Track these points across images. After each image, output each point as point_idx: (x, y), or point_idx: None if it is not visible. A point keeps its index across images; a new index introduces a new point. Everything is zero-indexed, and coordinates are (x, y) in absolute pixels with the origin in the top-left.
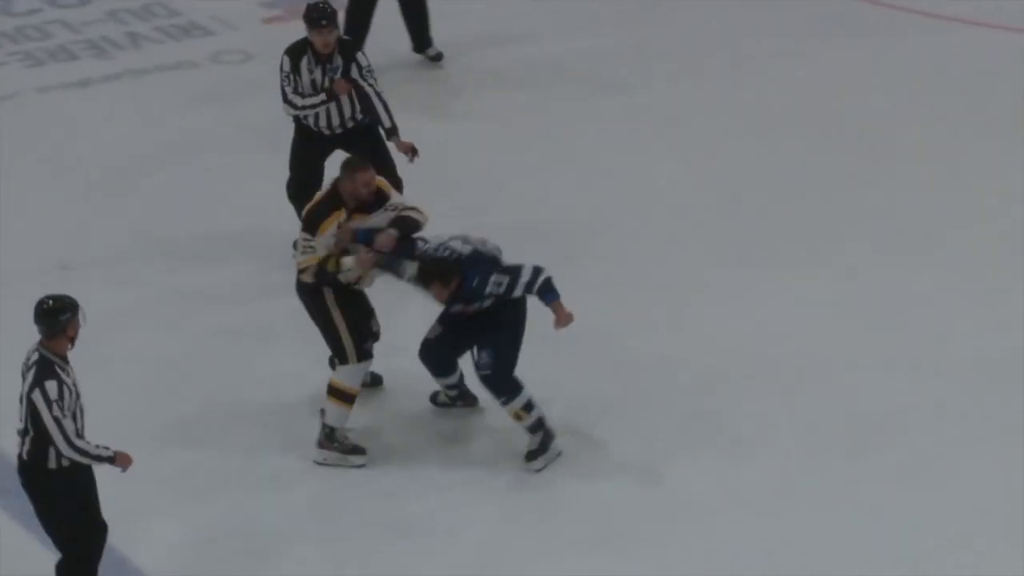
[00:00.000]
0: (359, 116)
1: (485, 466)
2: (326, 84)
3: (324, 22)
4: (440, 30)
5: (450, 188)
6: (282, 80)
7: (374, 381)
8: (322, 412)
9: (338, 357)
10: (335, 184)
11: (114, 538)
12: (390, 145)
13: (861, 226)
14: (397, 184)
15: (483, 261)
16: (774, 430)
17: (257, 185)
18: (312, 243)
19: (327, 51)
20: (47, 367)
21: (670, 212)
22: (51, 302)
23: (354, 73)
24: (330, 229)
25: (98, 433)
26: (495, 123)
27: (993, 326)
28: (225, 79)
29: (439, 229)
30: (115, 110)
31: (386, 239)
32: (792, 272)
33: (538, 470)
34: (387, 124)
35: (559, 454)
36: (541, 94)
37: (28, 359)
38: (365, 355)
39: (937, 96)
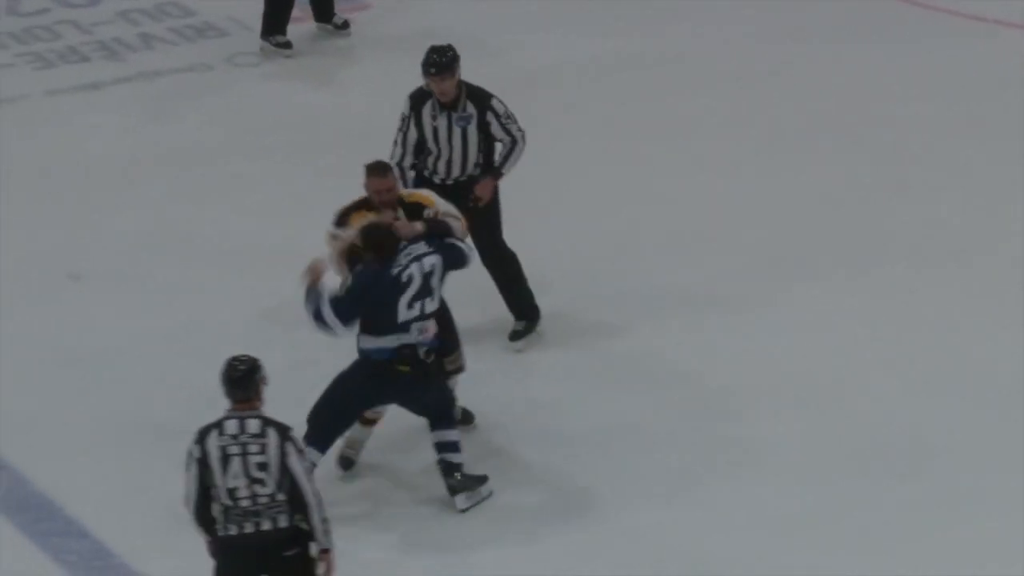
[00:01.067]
0: (478, 168)
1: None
2: (455, 136)
3: (433, 70)
4: (463, 31)
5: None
6: (398, 127)
7: (465, 418)
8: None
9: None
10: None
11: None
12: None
13: (895, 238)
14: (503, 253)
15: None
16: (803, 447)
17: (272, 191)
18: (336, 233)
19: (446, 99)
20: (285, 430)
21: (697, 224)
22: (242, 365)
23: (493, 126)
24: (356, 224)
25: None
26: None
27: None
28: (240, 82)
29: None
30: (126, 114)
31: (407, 228)
32: (823, 285)
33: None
34: (496, 162)
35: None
36: (560, 100)
37: (240, 430)
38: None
39: (978, 103)
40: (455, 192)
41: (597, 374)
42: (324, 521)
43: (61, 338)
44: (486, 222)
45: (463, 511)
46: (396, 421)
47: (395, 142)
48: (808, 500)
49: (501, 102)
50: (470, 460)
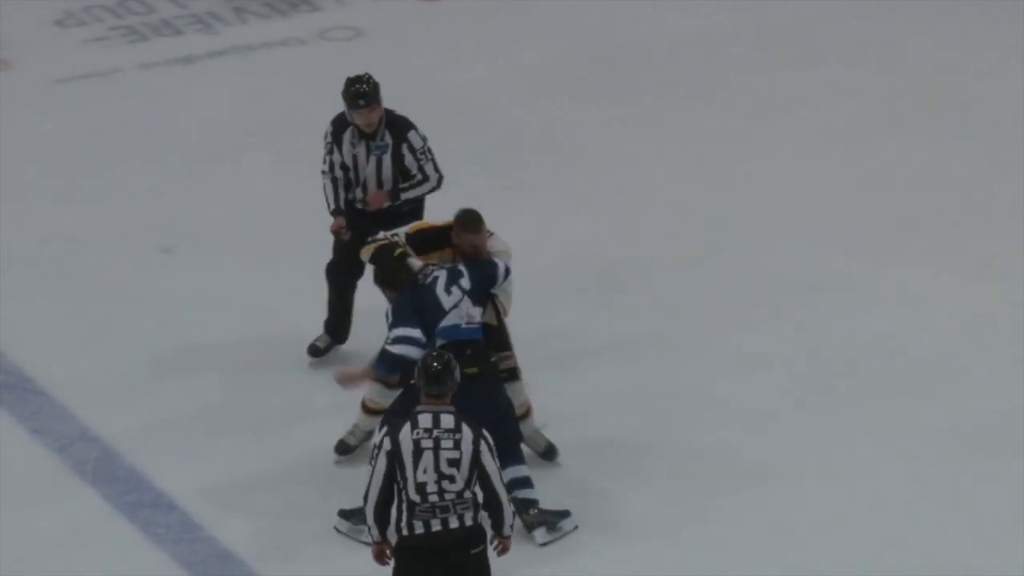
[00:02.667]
0: (399, 201)
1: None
2: (371, 164)
3: (362, 102)
4: (554, 6)
5: (562, 171)
6: (325, 148)
7: (548, 454)
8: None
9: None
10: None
11: None
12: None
13: (994, 220)
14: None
15: None
16: (902, 430)
17: None
18: (400, 240)
19: (370, 130)
20: (479, 427)
21: (794, 204)
22: (437, 364)
23: (407, 159)
24: (430, 261)
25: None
26: (611, 107)
27: None
28: (333, 56)
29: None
30: (219, 87)
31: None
32: (924, 266)
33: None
34: (401, 185)
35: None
36: (657, 77)
37: (434, 424)
38: None
39: None
40: (382, 223)
41: (692, 352)
42: (512, 515)
43: (152, 312)
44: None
45: (542, 545)
46: None
47: (324, 160)
48: (916, 482)
49: (420, 136)
50: None
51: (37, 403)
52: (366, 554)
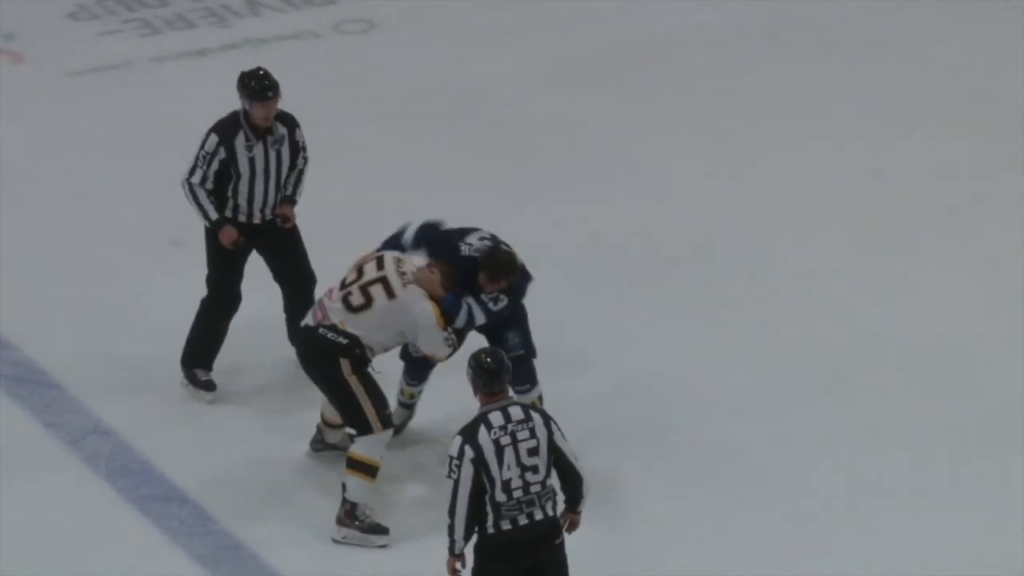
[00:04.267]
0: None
1: None
2: (271, 161)
3: (271, 94)
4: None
5: (577, 165)
6: (196, 158)
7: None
8: (343, 486)
9: (357, 428)
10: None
11: None
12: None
13: (1004, 213)
14: (308, 276)
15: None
16: (911, 422)
17: (376, 160)
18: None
19: (267, 124)
20: (545, 411)
21: (807, 196)
22: (491, 361)
23: (299, 137)
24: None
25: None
26: (624, 100)
27: None
28: (347, 49)
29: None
30: (232, 81)
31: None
32: (934, 259)
33: None
34: (289, 192)
35: None
36: (670, 70)
37: (506, 419)
38: (388, 422)
39: None
40: (263, 233)
41: (708, 344)
42: (587, 491)
43: (165, 305)
44: (293, 248)
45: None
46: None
47: (196, 168)
48: (930, 473)
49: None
50: None
51: (50, 396)
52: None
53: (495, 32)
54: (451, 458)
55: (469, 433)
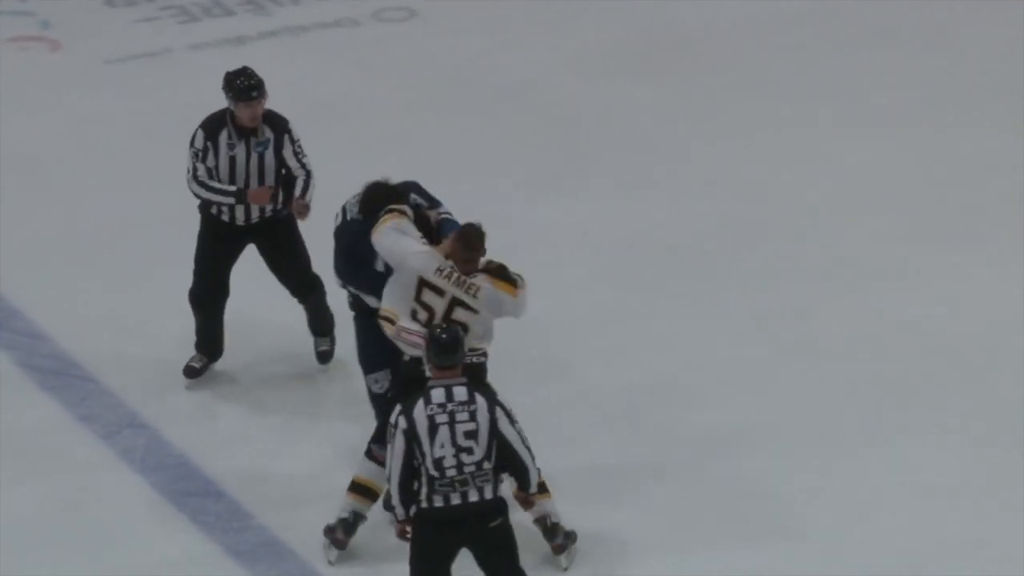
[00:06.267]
0: (280, 205)
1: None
2: (252, 163)
3: (255, 94)
4: None
5: (617, 155)
6: (192, 156)
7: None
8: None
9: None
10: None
11: None
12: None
13: None
14: (313, 283)
15: None
16: (956, 418)
17: (415, 150)
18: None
19: (254, 125)
20: (493, 395)
21: (851, 188)
22: (445, 335)
23: (287, 151)
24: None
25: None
26: (667, 90)
27: None
28: (387, 38)
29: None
30: (271, 69)
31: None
32: (986, 252)
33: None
34: (298, 192)
35: None
36: (714, 60)
37: (447, 398)
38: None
39: None
40: (255, 233)
41: (747, 337)
42: (538, 474)
43: None
44: (297, 254)
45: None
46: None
47: (200, 173)
48: (967, 471)
49: (295, 130)
50: None
51: (85, 390)
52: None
53: (536, 21)
54: (389, 425)
55: (407, 405)
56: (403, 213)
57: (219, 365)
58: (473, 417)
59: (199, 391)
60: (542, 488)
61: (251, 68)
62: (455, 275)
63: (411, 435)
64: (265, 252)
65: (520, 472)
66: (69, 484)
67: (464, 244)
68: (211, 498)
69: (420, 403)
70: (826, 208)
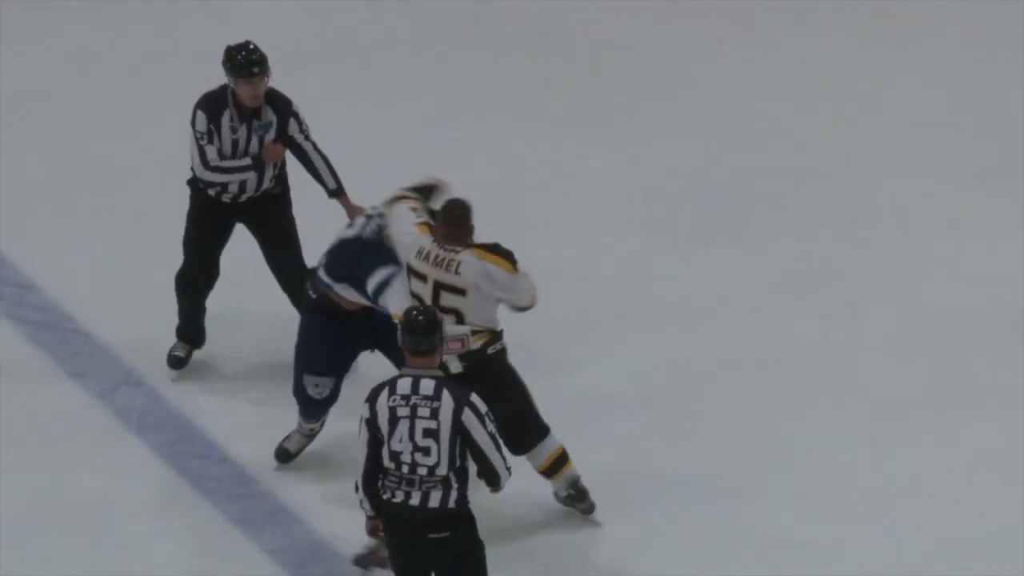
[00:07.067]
0: (272, 181)
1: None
2: (253, 147)
3: (256, 70)
4: None
5: (652, 97)
6: (197, 139)
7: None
8: (555, 495)
9: (523, 442)
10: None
11: None
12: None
13: None
14: (302, 271)
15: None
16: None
17: (440, 89)
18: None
19: (256, 105)
20: (464, 394)
21: (906, 132)
22: (422, 316)
23: (292, 130)
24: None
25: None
26: (706, 25)
27: None
28: None
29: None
30: (280, 4)
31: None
32: None
33: None
34: (332, 185)
35: None
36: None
37: (412, 389)
38: (544, 429)
39: None
40: (250, 212)
41: (806, 283)
42: (508, 476)
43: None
44: (280, 235)
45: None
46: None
47: (209, 156)
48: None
49: (300, 110)
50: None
51: (77, 344)
52: None
53: None
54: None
55: (373, 393)
56: (416, 199)
57: (221, 318)
58: (435, 415)
59: (202, 350)
60: (562, 460)
61: (254, 42)
62: (433, 254)
63: (373, 425)
64: (258, 232)
65: (488, 476)
66: (61, 447)
67: (446, 217)
68: (214, 462)
69: (385, 392)
70: (874, 155)
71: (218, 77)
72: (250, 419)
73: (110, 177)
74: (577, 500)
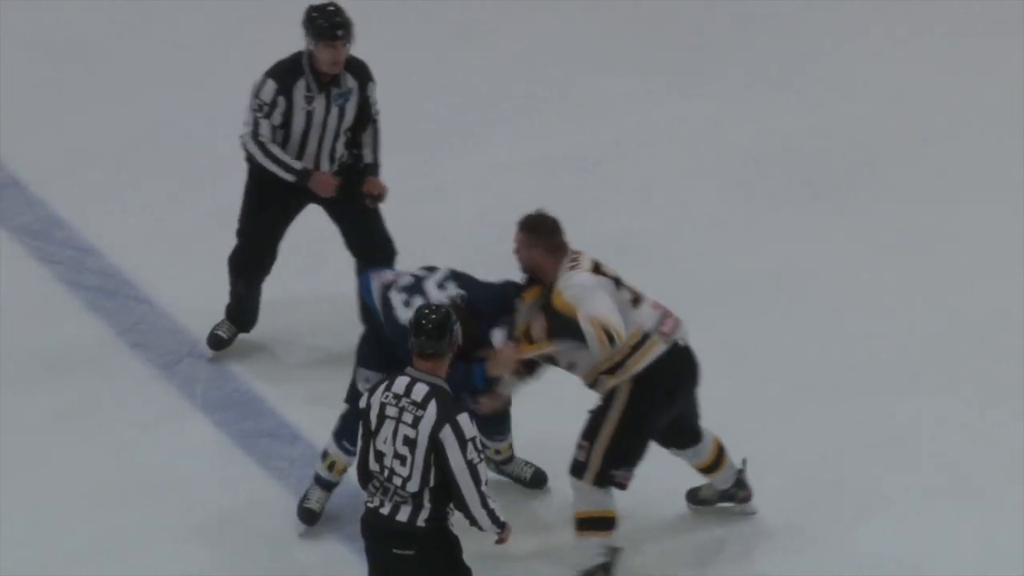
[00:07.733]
0: (344, 158)
1: None
2: (332, 118)
3: (340, 32)
4: None
5: (751, 50)
6: (254, 109)
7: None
8: (704, 497)
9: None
10: None
11: None
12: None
13: None
14: (390, 254)
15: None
16: None
17: (524, 39)
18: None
19: (335, 71)
20: (451, 411)
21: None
22: (434, 315)
23: (371, 91)
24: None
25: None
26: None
27: None
28: None
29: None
30: None
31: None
32: None
33: None
34: (371, 159)
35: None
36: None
37: (406, 391)
38: (608, 480)
39: None
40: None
41: (887, 255)
42: (491, 513)
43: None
44: (376, 219)
45: None
46: None
47: (258, 121)
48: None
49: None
50: None
51: (139, 312)
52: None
53: None
54: None
55: (375, 384)
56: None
57: (292, 284)
58: (415, 424)
59: (270, 314)
60: (718, 460)
61: (339, 4)
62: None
63: (366, 417)
64: (336, 214)
65: (463, 510)
66: (122, 421)
67: (531, 231)
68: (284, 441)
69: (383, 387)
70: (978, 121)
71: (291, 37)
72: (322, 396)
73: (173, 136)
74: (739, 488)
